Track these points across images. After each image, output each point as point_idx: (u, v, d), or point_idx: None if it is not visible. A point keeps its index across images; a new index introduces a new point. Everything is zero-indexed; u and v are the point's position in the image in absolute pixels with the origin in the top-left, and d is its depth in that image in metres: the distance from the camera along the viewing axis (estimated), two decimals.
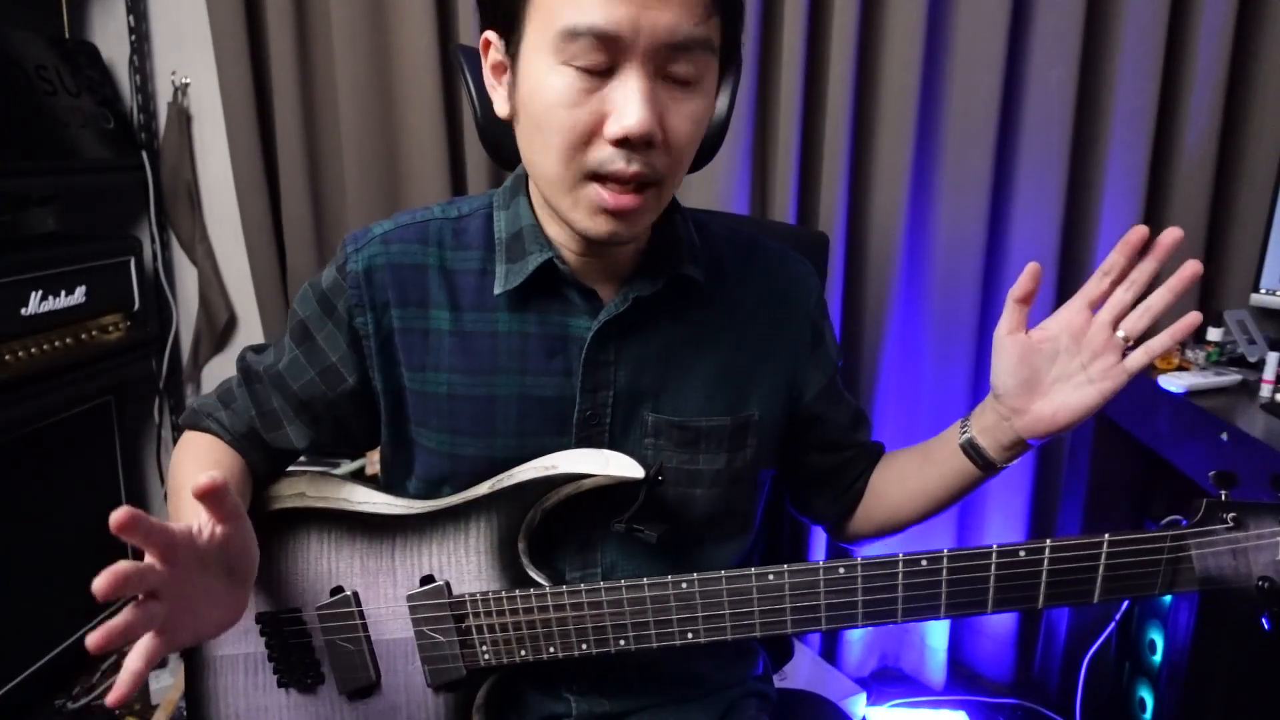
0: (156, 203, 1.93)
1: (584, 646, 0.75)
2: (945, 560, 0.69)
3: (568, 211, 0.71)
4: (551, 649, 0.76)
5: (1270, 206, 1.51)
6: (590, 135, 0.67)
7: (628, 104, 0.65)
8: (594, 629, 0.75)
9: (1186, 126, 1.61)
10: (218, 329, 2.01)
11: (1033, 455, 1.77)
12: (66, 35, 1.88)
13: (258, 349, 0.91)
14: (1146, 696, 1.57)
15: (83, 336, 1.73)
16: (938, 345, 1.74)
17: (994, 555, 0.68)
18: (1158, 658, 1.53)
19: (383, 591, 0.81)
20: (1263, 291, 1.53)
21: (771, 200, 1.71)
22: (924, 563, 0.69)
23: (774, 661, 1.09)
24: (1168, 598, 1.51)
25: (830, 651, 1.89)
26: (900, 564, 0.70)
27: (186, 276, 2.02)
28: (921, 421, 1.78)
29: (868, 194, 1.71)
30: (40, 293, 1.63)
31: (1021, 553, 0.68)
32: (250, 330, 2.02)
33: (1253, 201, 1.61)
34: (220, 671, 0.86)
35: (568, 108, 0.67)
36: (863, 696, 1.69)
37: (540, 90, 0.68)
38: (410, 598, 0.78)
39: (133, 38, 1.88)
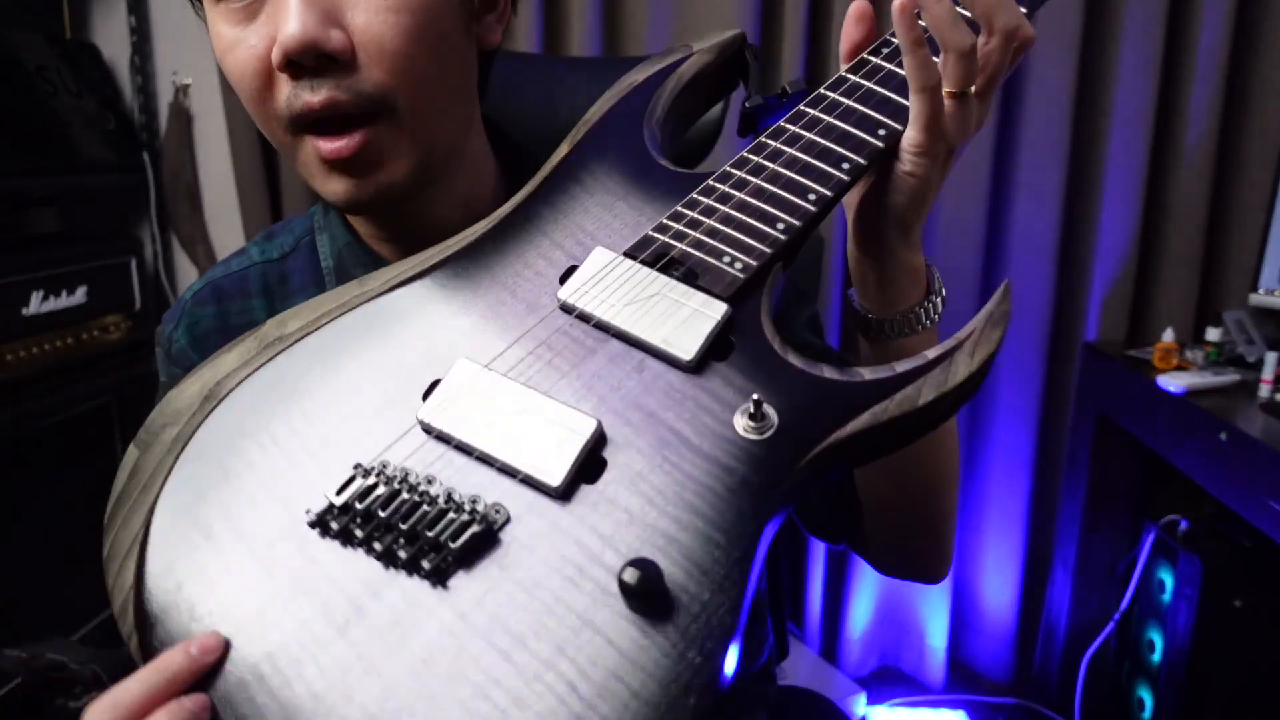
0: (157, 203, 1.93)
1: None
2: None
3: (310, 182, 0.59)
4: None
5: (1269, 206, 1.51)
6: (267, 75, 0.54)
7: (280, 17, 0.52)
8: None
9: (1186, 126, 1.61)
10: None
11: (1032, 456, 1.77)
12: (68, 36, 1.88)
13: None
14: (1146, 696, 1.57)
15: (83, 337, 1.73)
16: None
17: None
18: (1158, 658, 1.53)
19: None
20: (1261, 291, 1.53)
21: None
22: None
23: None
24: (1167, 597, 1.51)
25: (830, 651, 1.89)
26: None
27: (187, 276, 2.02)
28: None
29: None
30: (41, 293, 1.63)
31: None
32: None
33: (1252, 201, 1.61)
34: None
35: (234, 50, 0.54)
36: (863, 696, 1.69)
37: (216, 47, 0.56)
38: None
39: (133, 38, 1.88)
